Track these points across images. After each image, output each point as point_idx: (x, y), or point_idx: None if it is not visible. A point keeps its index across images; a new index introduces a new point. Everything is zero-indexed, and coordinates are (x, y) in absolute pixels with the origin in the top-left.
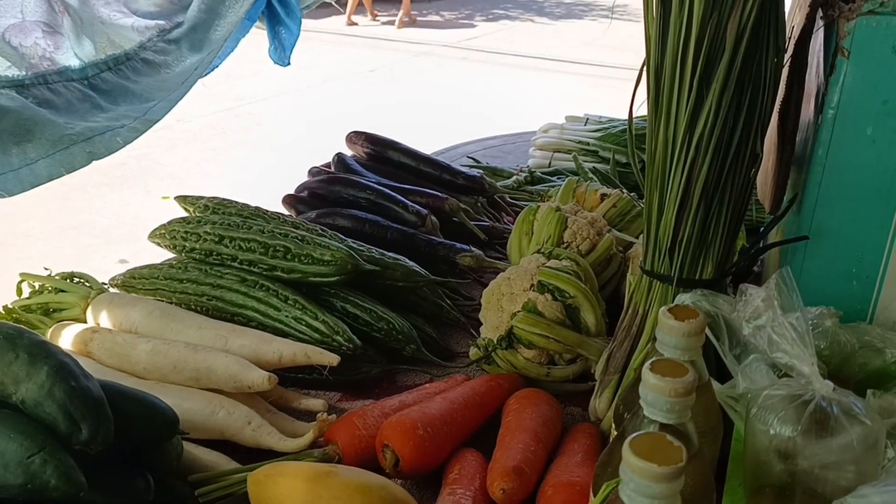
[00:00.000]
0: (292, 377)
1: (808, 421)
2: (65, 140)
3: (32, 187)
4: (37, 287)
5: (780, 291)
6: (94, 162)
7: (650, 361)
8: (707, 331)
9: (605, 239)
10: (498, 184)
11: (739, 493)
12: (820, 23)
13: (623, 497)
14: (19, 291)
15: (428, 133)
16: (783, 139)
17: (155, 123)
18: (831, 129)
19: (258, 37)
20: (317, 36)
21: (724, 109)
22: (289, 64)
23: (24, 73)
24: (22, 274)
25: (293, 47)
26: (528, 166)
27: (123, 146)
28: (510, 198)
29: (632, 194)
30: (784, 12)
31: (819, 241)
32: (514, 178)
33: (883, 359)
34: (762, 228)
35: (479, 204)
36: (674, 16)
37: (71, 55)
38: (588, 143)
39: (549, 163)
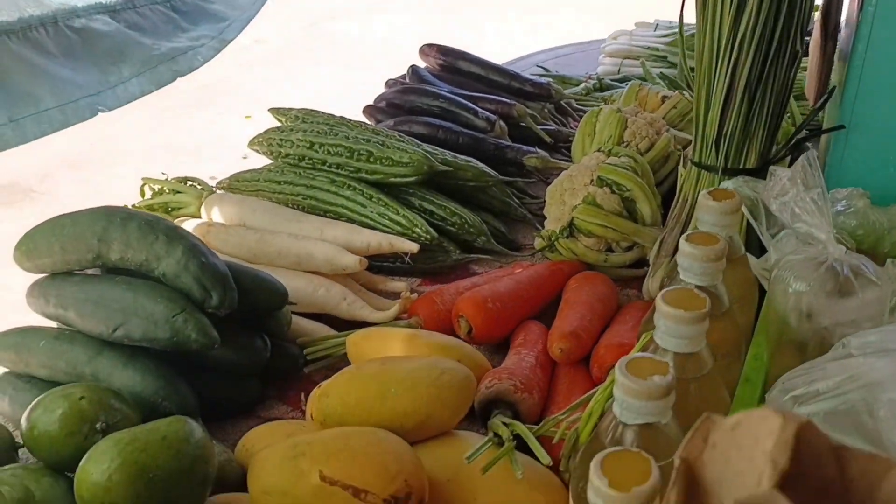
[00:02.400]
0: (378, 265)
1: (821, 280)
2: (153, 60)
3: (127, 102)
4: (157, 189)
5: (805, 172)
6: (178, 80)
7: (686, 234)
8: (746, 212)
9: (662, 138)
10: (567, 91)
11: (764, 344)
12: None
13: (657, 340)
14: (142, 193)
15: (500, 42)
16: (826, 36)
17: (230, 42)
18: (870, 24)
19: None
20: None
21: (764, 10)
22: None
23: None
24: (144, 178)
25: None
26: (597, 73)
27: (203, 63)
28: (577, 103)
29: None
30: None
31: (858, 130)
32: (583, 85)
33: None
34: (804, 119)
35: (546, 110)
36: None
37: None
38: (658, 49)
39: (619, 70)
